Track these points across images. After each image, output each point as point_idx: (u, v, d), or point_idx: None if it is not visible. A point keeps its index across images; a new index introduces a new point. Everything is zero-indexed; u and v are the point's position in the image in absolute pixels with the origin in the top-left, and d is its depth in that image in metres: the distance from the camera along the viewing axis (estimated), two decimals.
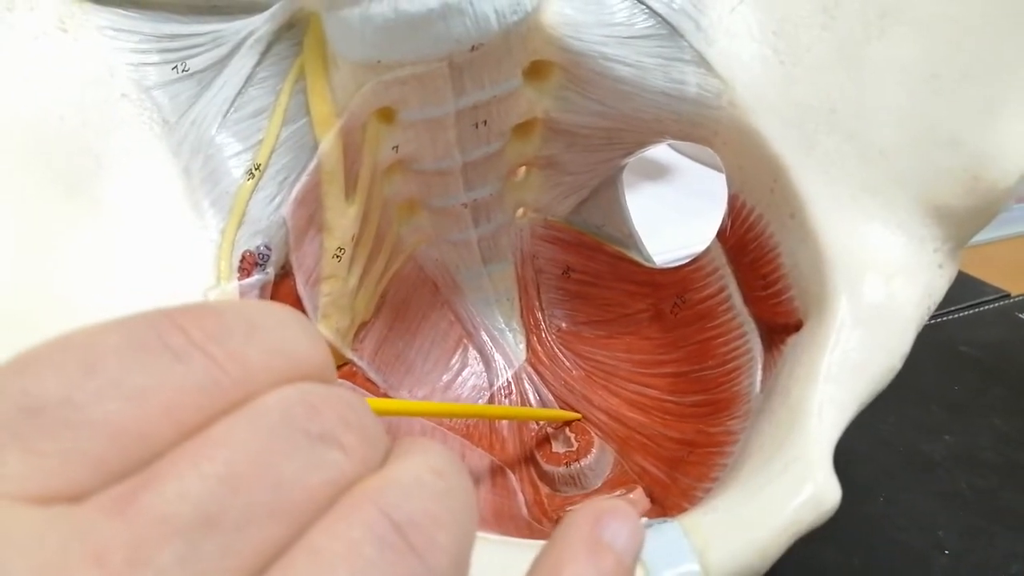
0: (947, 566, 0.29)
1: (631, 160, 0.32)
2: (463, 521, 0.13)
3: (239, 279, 0.24)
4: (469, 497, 0.13)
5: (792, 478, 0.21)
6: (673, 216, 0.49)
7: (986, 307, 0.40)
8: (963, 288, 0.42)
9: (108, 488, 0.10)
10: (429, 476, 0.12)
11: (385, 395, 0.31)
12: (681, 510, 0.24)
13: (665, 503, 0.27)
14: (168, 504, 0.10)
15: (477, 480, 0.30)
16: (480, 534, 0.21)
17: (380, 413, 0.20)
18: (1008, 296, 0.42)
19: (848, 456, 0.33)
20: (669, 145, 0.54)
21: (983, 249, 0.49)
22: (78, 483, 0.10)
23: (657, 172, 0.56)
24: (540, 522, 0.28)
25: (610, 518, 0.14)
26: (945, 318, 0.39)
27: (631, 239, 0.33)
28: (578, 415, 0.31)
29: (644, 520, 0.22)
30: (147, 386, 0.11)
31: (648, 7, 0.27)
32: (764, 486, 0.21)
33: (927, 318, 0.24)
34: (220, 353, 0.11)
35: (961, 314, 0.40)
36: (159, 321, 0.11)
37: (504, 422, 0.32)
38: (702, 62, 0.27)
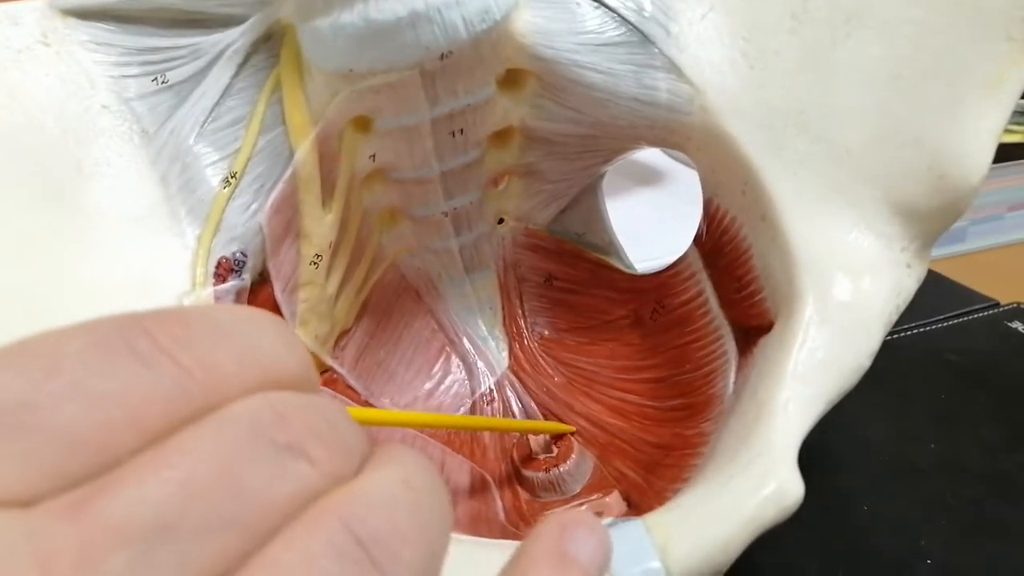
0: (930, 574, 0.29)
1: (611, 167, 0.33)
2: (432, 536, 0.12)
3: (214, 285, 0.25)
4: (442, 511, 0.13)
5: (755, 473, 0.21)
6: (668, 221, 0.49)
7: (975, 316, 0.40)
8: (952, 297, 0.41)
9: (64, 493, 0.10)
10: (399, 489, 0.12)
11: (366, 403, 0.31)
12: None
13: (641, 506, 0.27)
14: (123, 510, 0.10)
15: (457, 486, 0.30)
16: (452, 534, 0.22)
17: (361, 422, 0.20)
18: (997, 305, 0.42)
19: (832, 464, 0.33)
20: (662, 150, 0.54)
21: (973, 258, 0.49)
22: (32, 487, 0.10)
23: (651, 177, 0.56)
24: (518, 528, 0.28)
25: (575, 529, 0.14)
26: (934, 326, 0.39)
27: (612, 246, 0.34)
28: (572, 428, 0.31)
29: (608, 520, 0.22)
30: (110, 391, 0.11)
31: (619, 15, 0.27)
32: (727, 482, 0.21)
33: (896, 317, 0.24)
34: (188, 359, 0.11)
35: (950, 322, 0.39)
36: (126, 325, 0.11)
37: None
38: (673, 68, 0.27)
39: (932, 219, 0.24)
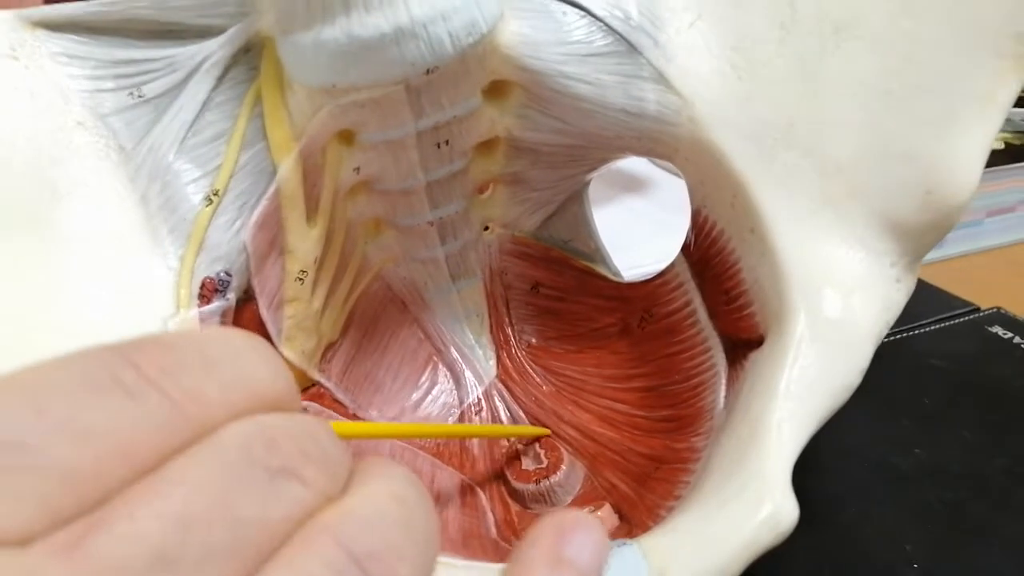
0: None
1: (597, 175, 0.32)
2: (425, 549, 0.13)
3: (199, 306, 0.24)
4: (431, 523, 0.13)
5: (750, 497, 0.21)
6: (651, 229, 0.49)
7: (956, 321, 0.40)
8: (933, 302, 0.42)
9: (59, 530, 0.10)
10: (390, 504, 0.12)
11: (354, 415, 0.31)
12: (646, 528, 0.24)
13: (632, 520, 0.27)
14: (119, 546, 0.10)
15: (447, 499, 0.29)
16: (446, 559, 0.21)
17: (345, 437, 0.20)
18: (978, 310, 0.42)
19: (817, 470, 0.33)
20: (647, 159, 0.54)
21: (953, 263, 0.50)
22: (28, 525, 0.10)
23: (634, 185, 0.56)
24: (509, 541, 0.28)
25: (574, 532, 0.14)
26: (915, 332, 0.39)
27: (598, 253, 0.33)
28: (546, 431, 0.31)
29: None
30: (98, 426, 0.11)
31: (606, 24, 0.27)
32: (722, 505, 0.21)
33: (885, 333, 0.24)
34: (174, 389, 0.11)
35: (931, 328, 0.40)
36: (111, 357, 0.11)
37: (475, 440, 0.32)
38: (661, 79, 0.27)
39: (921, 234, 0.24)
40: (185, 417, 0.11)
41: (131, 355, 0.11)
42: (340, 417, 0.30)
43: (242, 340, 0.13)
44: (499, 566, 0.22)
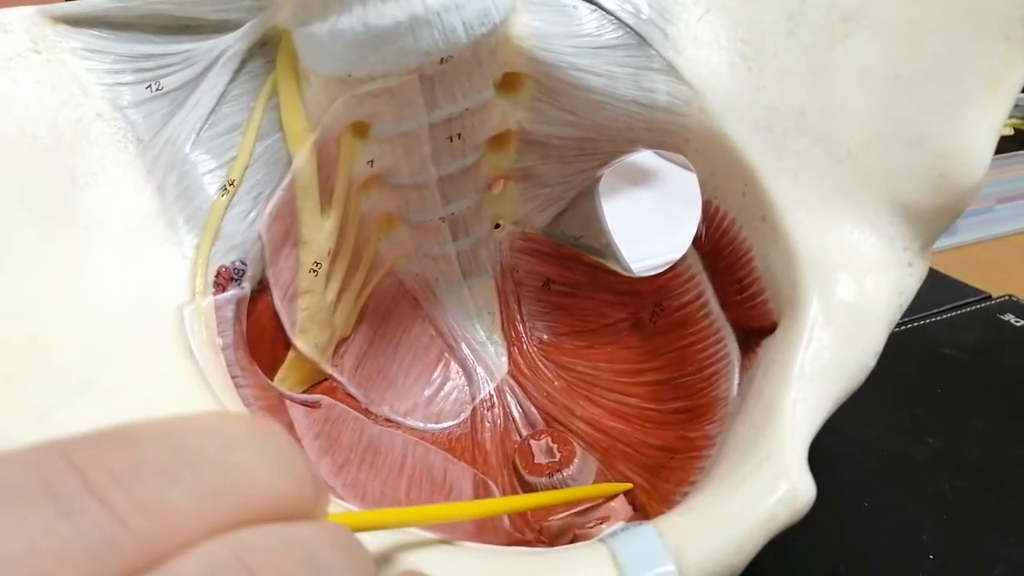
0: (932, 571, 0.29)
1: (607, 170, 0.33)
2: None
3: (214, 294, 0.25)
4: None
5: (766, 475, 0.20)
6: (658, 221, 0.49)
7: (968, 309, 0.40)
8: (945, 290, 0.42)
9: None
10: None
11: (366, 410, 0.31)
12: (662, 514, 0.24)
13: (647, 510, 0.27)
14: None
15: (461, 495, 0.29)
16: (465, 543, 0.21)
17: (376, 528, 0.17)
18: (990, 298, 0.42)
19: (831, 461, 0.33)
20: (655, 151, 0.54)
21: (965, 251, 0.50)
22: None
23: (641, 177, 0.56)
24: (523, 533, 0.28)
25: None
26: (927, 320, 0.39)
27: (609, 249, 0.33)
28: (629, 485, 0.28)
29: (619, 524, 0.22)
30: (13, 554, 0.08)
31: (616, 17, 0.27)
32: (739, 484, 0.21)
33: (899, 316, 0.24)
34: (124, 501, 0.09)
35: (943, 316, 0.40)
36: (49, 460, 0.09)
37: (487, 435, 0.32)
38: (671, 70, 0.27)
39: (933, 218, 0.24)
40: (132, 540, 0.09)
41: (76, 457, 0.09)
42: (355, 412, 0.30)
43: (242, 427, 0.11)
44: (519, 548, 0.22)
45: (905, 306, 0.24)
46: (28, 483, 0.09)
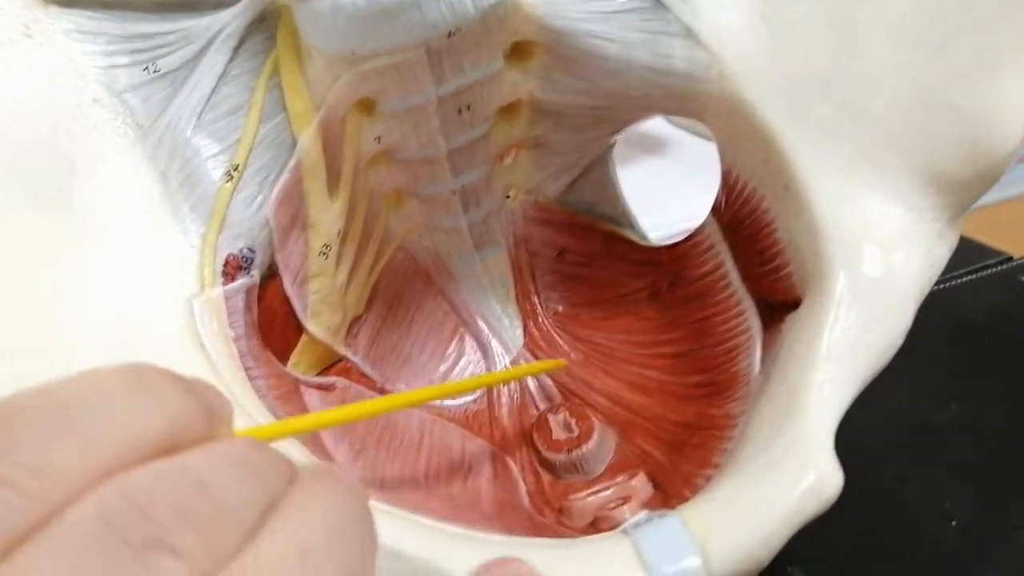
0: (955, 537, 0.29)
1: (621, 136, 0.31)
2: None
3: (223, 284, 0.24)
4: (349, 572, 0.12)
5: (793, 464, 0.20)
6: (672, 190, 0.48)
7: (989, 271, 0.40)
8: (965, 253, 0.41)
9: None
10: (291, 562, 0.11)
11: (382, 389, 0.31)
12: (683, 498, 0.24)
13: (668, 489, 0.26)
14: None
15: (478, 470, 0.29)
16: (482, 535, 0.21)
17: (278, 437, 0.17)
18: (1011, 259, 0.41)
19: (853, 429, 0.33)
20: (665, 118, 0.53)
21: (984, 212, 0.48)
22: None
23: (654, 145, 0.55)
24: (542, 512, 0.28)
25: None
26: (948, 284, 0.39)
27: (624, 217, 0.33)
28: (560, 362, 0.31)
29: (644, 513, 0.22)
30: None
31: None
32: (765, 472, 0.20)
33: (928, 290, 0.23)
34: (8, 469, 0.10)
35: (964, 279, 0.39)
36: None
37: (504, 410, 0.32)
38: (689, 35, 0.26)
39: (965, 188, 0.23)
40: (25, 499, 0.10)
41: None
42: (371, 393, 0.30)
43: (114, 380, 0.12)
44: (536, 540, 0.22)
45: (935, 278, 0.24)
46: None
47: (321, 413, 0.24)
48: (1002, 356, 0.35)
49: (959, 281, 0.39)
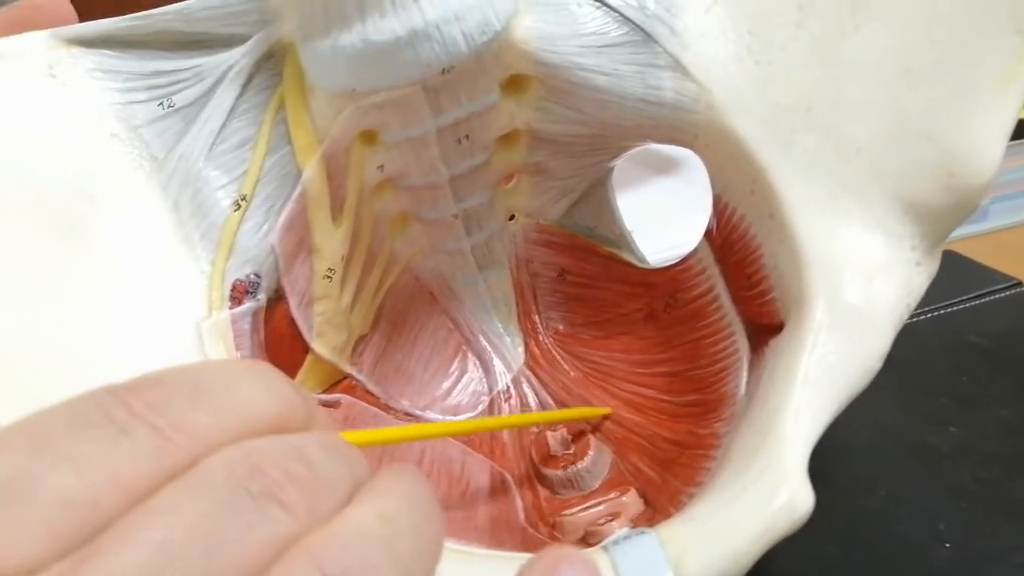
0: (948, 559, 0.29)
1: (620, 161, 0.32)
2: (412, 566, 0.13)
3: (230, 308, 0.25)
4: (423, 538, 0.14)
5: (766, 485, 0.21)
6: (683, 209, 0.48)
7: (996, 296, 0.40)
8: (972, 277, 0.41)
9: (59, 561, 0.11)
10: (374, 524, 0.13)
11: (386, 406, 0.32)
12: (667, 514, 0.25)
13: (656, 506, 0.27)
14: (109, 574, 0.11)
15: (476, 487, 0.30)
16: (468, 548, 0.22)
17: (367, 443, 0.20)
18: (1019, 284, 0.41)
19: (850, 448, 0.33)
20: None
21: (993, 237, 0.48)
22: (34, 555, 0.11)
23: (665, 165, 0.55)
24: (537, 527, 0.29)
25: (566, 567, 0.15)
26: (954, 308, 0.39)
27: (623, 239, 0.34)
28: (607, 410, 0.31)
29: (623, 531, 0.22)
30: (92, 459, 0.12)
31: (621, 14, 0.27)
32: (740, 493, 0.21)
33: (907, 317, 0.24)
34: (162, 422, 0.12)
35: (970, 303, 0.39)
36: (103, 398, 0.12)
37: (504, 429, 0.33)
38: (678, 67, 0.27)
39: (942, 217, 0.24)
40: (173, 447, 0.12)
41: (121, 394, 0.12)
42: (375, 409, 0.31)
43: (240, 369, 0.14)
44: (524, 555, 0.23)
45: (913, 306, 0.24)
46: (94, 414, 0.12)
47: (397, 428, 0.28)
48: (1007, 381, 0.35)
49: (966, 305, 0.39)
